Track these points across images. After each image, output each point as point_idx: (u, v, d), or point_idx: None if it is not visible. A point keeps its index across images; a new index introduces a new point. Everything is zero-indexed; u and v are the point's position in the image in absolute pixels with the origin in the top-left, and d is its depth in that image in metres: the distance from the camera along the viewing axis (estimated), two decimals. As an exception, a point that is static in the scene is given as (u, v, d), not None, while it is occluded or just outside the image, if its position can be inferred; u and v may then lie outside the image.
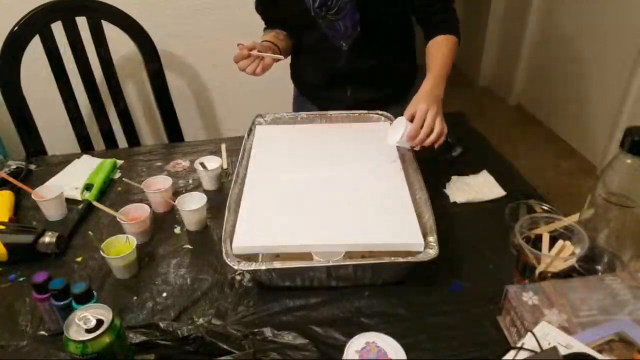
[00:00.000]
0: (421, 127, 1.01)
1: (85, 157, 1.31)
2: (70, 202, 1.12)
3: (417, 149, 1.06)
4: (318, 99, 1.41)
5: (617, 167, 0.79)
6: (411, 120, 1.04)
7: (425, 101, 1.03)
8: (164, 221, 1.07)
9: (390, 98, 1.34)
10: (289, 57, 1.39)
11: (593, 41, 2.59)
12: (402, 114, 1.08)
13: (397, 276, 0.87)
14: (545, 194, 1.08)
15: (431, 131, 1.01)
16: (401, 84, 1.37)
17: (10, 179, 1.13)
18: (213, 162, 1.17)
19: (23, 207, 1.13)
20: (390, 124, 1.22)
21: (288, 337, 0.78)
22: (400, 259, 0.81)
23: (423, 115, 1.02)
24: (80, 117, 1.57)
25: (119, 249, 0.92)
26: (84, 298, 0.74)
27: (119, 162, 1.29)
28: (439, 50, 1.17)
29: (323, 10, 1.16)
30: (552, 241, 0.82)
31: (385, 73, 1.29)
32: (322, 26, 1.21)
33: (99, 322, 0.64)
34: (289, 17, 1.27)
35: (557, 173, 2.63)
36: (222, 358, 0.75)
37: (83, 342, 0.63)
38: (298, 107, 1.48)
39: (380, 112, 1.27)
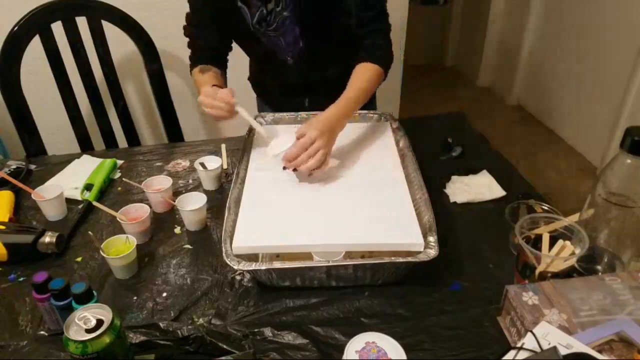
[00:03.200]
0: (303, 151, 0.98)
1: (85, 157, 1.31)
2: (70, 202, 1.12)
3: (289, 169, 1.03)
4: (276, 106, 1.38)
5: (617, 167, 0.79)
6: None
7: (319, 128, 0.99)
8: (164, 221, 1.07)
9: None
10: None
11: (593, 41, 2.59)
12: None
13: (397, 276, 0.87)
14: (545, 194, 1.08)
15: (308, 159, 0.98)
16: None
17: (10, 179, 1.13)
18: (213, 162, 1.17)
19: (23, 207, 1.13)
20: (393, 126, 1.22)
21: (288, 337, 0.78)
22: (400, 259, 0.81)
23: (308, 143, 0.98)
24: (80, 117, 1.57)
25: (119, 249, 0.92)
26: (84, 298, 0.74)
27: (119, 162, 1.29)
28: (361, 75, 1.13)
29: (263, 26, 1.14)
30: (552, 241, 0.82)
31: (339, 81, 1.17)
32: (265, 42, 1.19)
33: (99, 322, 0.64)
34: (233, 34, 1.23)
35: (557, 173, 2.63)
36: (222, 358, 0.75)
37: (83, 342, 0.63)
38: (259, 110, 1.47)
39: (380, 112, 1.27)
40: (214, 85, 1.12)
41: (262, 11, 1.12)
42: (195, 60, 1.25)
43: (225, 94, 1.08)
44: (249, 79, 1.44)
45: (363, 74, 1.14)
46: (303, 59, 1.22)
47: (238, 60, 1.34)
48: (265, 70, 1.34)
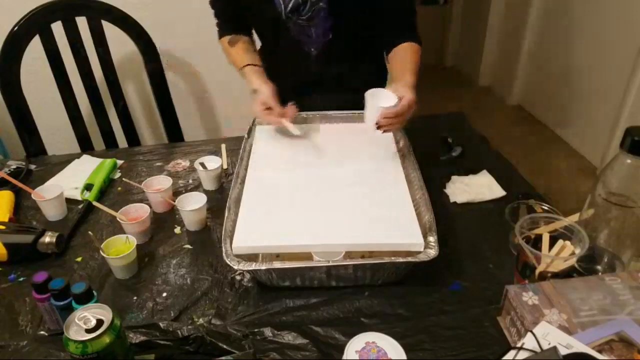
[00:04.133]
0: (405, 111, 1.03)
1: (85, 157, 1.31)
2: (70, 202, 1.12)
3: (372, 124, 1.06)
4: (284, 102, 1.36)
5: (617, 167, 0.79)
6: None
7: (413, 93, 1.04)
8: (164, 221, 1.07)
9: (360, 102, 1.32)
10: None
11: (593, 41, 2.59)
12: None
13: (397, 276, 0.87)
14: (545, 194, 1.08)
15: (397, 122, 1.04)
16: (373, 85, 1.30)
17: (10, 179, 1.13)
18: (213, 162, 1.17)
19: (23, 207, 1.13)
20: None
21: (288, 337, 0.78)
22: (400, 259, 0.81)
23: (409, 105, 1.03)
24: (80, 117, 1.57)
25: (119, 249, 0.92)
26: (84, 298, 0.74)
27: (119, 162, 1.29)
28: (410, 55, 1.18)
29: (295, 15, 1.15)
30: (552, 241, 0.82)
31: (354, 77, 1.24)
32: (293, 31, 1.20)
33: (99, 322, 0.64)
34: (259, 20, 1.25)
35: (557, 173, 2.63)
36: (222, 358, 0.75)
37: (83, 342, 0.63)
38: None
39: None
40: (253, 90, 1.14)
41: (297, 0, 1.13)
42: (223, 29, 1.29)
43: (277, 120, 1.13)
44: None
45: (412, 52, 1.19)
46: (326, 52, 1.24)
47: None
48: (279, 65, 1.33)
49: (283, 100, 1.34)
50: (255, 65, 1.20)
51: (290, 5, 1.14)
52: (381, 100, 1.04)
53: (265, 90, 1.13)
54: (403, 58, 1.18)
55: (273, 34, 1.25)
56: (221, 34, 1.30)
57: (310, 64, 1.26)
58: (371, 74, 1.34)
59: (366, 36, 1.26)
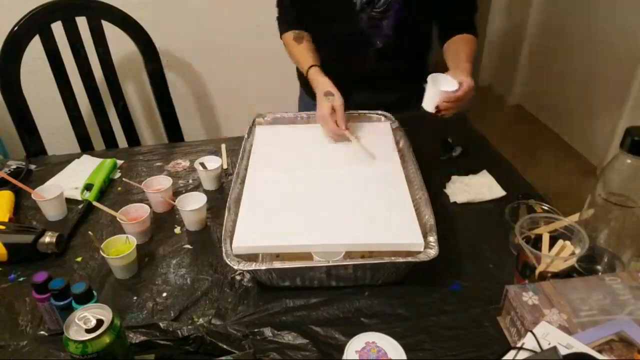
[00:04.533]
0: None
1: (85, 157, 1.31)
2: (70, 202, 1.12)
3: (431, 109, 1.08)
4: None
5: (617, 167, 0.79)
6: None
7: (472, 80, 1.08)
8: (164, 221, 1.07)
9: (403, 100, 1.34)
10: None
11: (593, 41, 2.59)
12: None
13: (397, 276, 0.87)
14: (545, 194, 1.08)
15: (455, 107, 1.07)
16: (415, 86, 1.31)
17: (10, 179, 1.13)
18: (213, 162, 1.17)
19: (23, 207, 1.13)
20: (392, 126, 1.22)
21: (288, 337, 0.78)
22: (400, 259, 0.81)
23: (470, 90, 1.07)
24: (80, 117, 1.57)
25: (119, 249, 0.92)
26: (84, 298, 0.74)
27: (119, 162, 1.29)
28: (467, 46, 1.23)
29: (370, 6, 1.17)
30: (552, 241, 0.82)
31: (406, 75, 1.28)
32: (363, 23, 1.22)
33: (99, 322, 0.64)
34: (328, 11, 1.26)
35: (557, 173, 2.63)
36: (222, 358, 0.75)
37: (83, 342, 0.63)
38: (303, 108, 1.46)
39: (380, 112, 1.27)
40: (328, 92, 1.15)
41: None
42: (286, 23, 1.30)
43: (335, 128, 1.13)
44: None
45: (470, 43, 1.25)
46: (389, 47, 1.26)
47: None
48: (334, 59, 1.32)
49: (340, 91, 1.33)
50: (318, 66, 1.22)
51: None
52: (442, 85, 1.07)
53: (338, 97, 1.13)
54: (460, 47, 1.23)
55: (341, 25, 1.26)
56: (285, 29, 1.31)
57: (370, 57, 1.28)
58: (420, 76, 1.33)
59: (426, 33, 1.32)
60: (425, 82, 1.07)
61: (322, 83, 1.18)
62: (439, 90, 1.05)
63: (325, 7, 1.26)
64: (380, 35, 1.24)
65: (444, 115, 1.09)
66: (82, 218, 1.08)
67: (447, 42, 1.28)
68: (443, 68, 1.16)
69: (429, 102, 1.07)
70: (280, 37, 1.33)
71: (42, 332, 0.81)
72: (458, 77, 1.07)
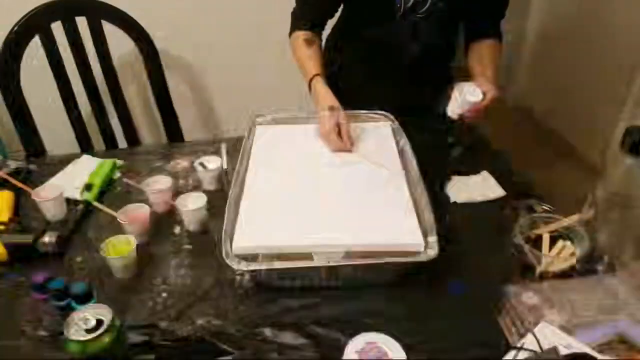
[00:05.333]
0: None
1: (85, 157, 1.31)
2: (70, 202, 1.11)
3: (456, 116, 1.11)
4: (349, 102, 1.23)
5: (617, 167, 0.79)
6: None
7: (496, 90, 1.11)
8: (164, 221, 1.07)
9: (425, 103, 1.31)
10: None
11: (593, 41, 2.59)
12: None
13: (397, 276, 0.87)
14: (545, 194, 1.08)
15: (479, 116, 1.11)
16: (438, 90, 1.28)
17: (10, 179, 1.13)
18: (213, 162, 1.17)
19: (23, 207, 1.12)
20: (393, 126, 1.22)
21: (288, 337, 0.78)
22: (400, 259, 0.81)
23: (494, 101, 1.10)
24: (80, 117, 1.57)
25: (119, 249, 0.91)
26: (84, 298, 0.74)
27: (119, 162, 1.29)
28: (492, 52, 1.27)
29: (412, 12, 1.17)
30: (553, 241, 0.82)
31: (433, 79, 1.29)
32: (404, 27, 1.21)
33: (99, 322, 0.64)
34: (368, 13, 1.23)
35: (557, 173, 2.63)
36: (222, 358, 0.75)
37: (83, 342, 0.63)
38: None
39: (380, 112, 1.27)
40: (331, 106, 1.12)
41: None
42: (302, 21, 1.26)
43: (340, 144, 1.11)
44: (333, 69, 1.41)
45: (494, 51, 1.29)
46: (426, 51, 1.26)
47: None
48: (369, 57, 1.31)
49: (354, 94, 1.30)
50: (322, 76, 1.19)
51: (411, 1, 1.15)
52: (468, 94, 1.08)
53: (343, 112, 1.12)
54: (484, 54, 1.24)
55: (380, 29, 1.23)
56: (297, 27, 1.26)
57: (405, 61, 1.27)
58: (444, 80, 1.34)
59: (455, 39, 1.33)
60: (449, 88, 1.09)
61: (324, 96, 1.15)
62: (466, 99, 1.07)
63: (366, 10, 1.23)
64: (418, 40, 1.24)
65: (465, 121, 1.12)
66: (82, 218, 1.08)
67: (472, 47, 1.28)
68: (465, 72, 1.19)
69: (454, 111, 1.10)
70: (290, 33, 1.28)
71: (41, 332, 0.81)
72: (484, 86, 1.09)
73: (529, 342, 0.67)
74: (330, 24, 1.35)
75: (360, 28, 1.28)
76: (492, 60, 1.21)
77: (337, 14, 1.31)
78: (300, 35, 1.25)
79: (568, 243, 0.81)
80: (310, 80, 1.19)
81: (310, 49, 1.23)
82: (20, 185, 1.10)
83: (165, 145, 1.41)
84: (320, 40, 1.28)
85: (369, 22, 1.25)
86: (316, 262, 0.84)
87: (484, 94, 1.08)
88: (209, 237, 1.02)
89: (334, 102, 1.13)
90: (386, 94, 1.30)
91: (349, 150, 1.11)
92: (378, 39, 1.26)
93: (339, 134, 1.11)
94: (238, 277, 0.90)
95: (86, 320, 0.64)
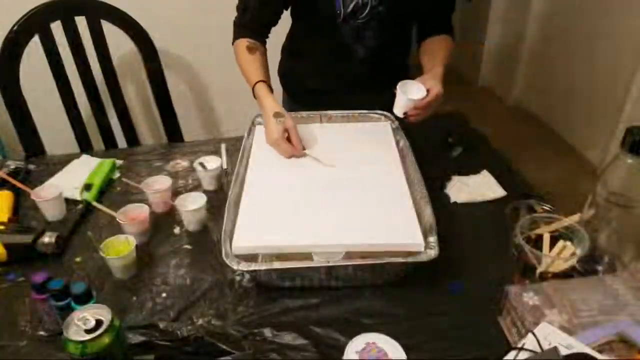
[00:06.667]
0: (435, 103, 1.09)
1: (85, 157, 1.31)
2: (69, 202, 1.11)
3: (401, 115, 1.11)
4: (317, 106, 1.31)
5: (617, 167, 0.79)
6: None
7: (441, 86, 1.09)
8: (164, 221, 1.06)
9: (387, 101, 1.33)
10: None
11: (593, 41, 2.59)
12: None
13: (397, 276, 0.87)
14: (546, 194, 1.08)
15: (424, 113, 1.09)
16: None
17: (10, 179, 1.13)
18: (213, 162, 1.17)
19: (22, 207, 1.12)
20: (393, 126, 1.22)
21: (288, 338, 0.78)
22: (400, 259, 0.81)
23: (437, 97, 1.08)
24: (80, 117, 1.57)
25: (119, 249, 0.91)
26: (83, 298, 0.73)
27: (119, 162, 1.29)
28: (443, 47, 1.24)
29: (353, 17, 1.17)
30: (553, 241, 0.81)
31: (389, 79, 1.23)
32: (345, 33, 1.21)
33: (98, 323, 0.64)
34: (311, 20, 1.25)
35: (557, 173, 2.63)
36: (222, 359, 0.75)
37: (82, 342, 0.63)
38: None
39: (380, 112, 1.27)
40: (277, 113, 1.11)
41: (357, 3, 1.15)
42: (244, 29, 1.25)
43: (291, 150, 1.10)
44: (281, 75, 1.43)
45: (445, 44, 1.26)
46: (372, 54, 1.26)
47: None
48: (321, 62, 1.32)
49: (318, 101, 1.32)
50: (266, 83, 1.18)
51: (350, 7, 1.16)
52: (411, 92, 1.09)
53: (289, 117, 1.11)
54: (435, 49, 1.24)
55: (323, 35, 1.25)
56: (240, 34, 1.25)
57: (354, 65, 1.27)
58: (405, 77, 1.32)
59: (406, 40, 1.33)
60: (394, 87, 1.09)
61: (269, 103, 1.13)
62: (407, 98, 1.08)
63: (308, 19, 1.25)
64: (363, 44, 1.24)
65: (412, 121, 1.12)
66: (82, 218, 1.08)
67: (423, 43, 1.28)
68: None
69: (398, 109, 1.10)
70: (233, 42, 1.27)
71: (41, 333, 0.81)
72: (428, 83, 1.09)
73: (529, 342, 0.67)
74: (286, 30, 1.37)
75: (309, 33, 1.30)
76: (443, 57, 1.20)
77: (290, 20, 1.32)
78: (244, 42, 1.23)
79: (568, 243, 0.81)
80: (254, 87, 1.18)
81: (253, 55, 1.22)
82: (19, 185, 1.10)
83: (164, 145, 1.41)
84: (264, 48, 1.26)
85: (314, 28, 1.27)
86: (316, 262, 0.84)
87: (428, 91, 1.07)
88: (208, 237, 1.02)
89: (279, 108, 1.12)
90: (352, 96, 1.31)
91: (302, 155, 1.11)
92: (325, 44, 1.27)
93: (289, 139, 1.11)
94: (238, 277, 0.90)
95: (86, 321, 0.64)
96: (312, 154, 1.11)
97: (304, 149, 1.11)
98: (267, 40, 1.29)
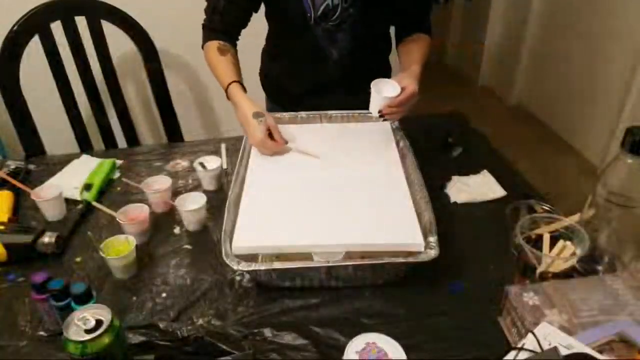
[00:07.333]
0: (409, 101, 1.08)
1: (85, 157, 1.31)
2: (69, 202, 1.11)
3: (376, 114, 1.10)
4: (290, 106, 1.32)
5: (617, 167, 0.79)
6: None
7: (416, 84, 1.09)
8: (164, 221, 1.06)
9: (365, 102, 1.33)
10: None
11: (593, 41, 2.59)
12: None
13: (397, 276, 0.87)
14: (546, 194, 1.08)
15: (399, 111, 1.09)
16: None
17: (10, 179, 1.13)
18: (213, 162, 1.17)
19: (22, 207, 1.12)
20: (392, 126, 1.22)
21: (288, 338, 0.78)
22: (400, 259, 0.81)
23: (411, 95, 1.08)
24: (80, 117, 1.57)
25: (119, 249, 0.91)
26: (83, 298, 0.73)
27: (119, 162, 1.29)
28: (420, 46, 1.24)
29: (324, 19, 1.16)
30: (553, 241, 0.81)
31: (358, 82, 1.20)
32: (318, 35, 1.20)
33: (98, 323, 0.64)
34: (282, 22, 1.25)
35: (557, 173, 2.63)
36: (222, 358, 0.75)
37: (82, 342, 0.63)
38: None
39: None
40: (256, 113, 1.10)
41: (327, 5, 1.15)
42: (213, 32, 1.24)
43: (276, 147, 1.11)
44: (262, 77, 1.43)
45: (423, 43, 1.26)
46: (347, 56, 1.25)
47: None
48: (297, 64, 1.31)
49: (290, 106, 1.33)
50: (240, 83, 1.17)
51: (320, 9, 1.15)
52: (385, 90, 1.08)
53: (269, 116, 1.11)
54: (412, 48, 1.23)
55: (296, 37, 1.24)
56: (210, 37, 1.24)
57: (329, 67, 1.27)
58: (385, 76, 1.33)
59: (384, 39, 1.32)
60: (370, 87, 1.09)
61: (246, 102, 1.12)
62: (381, 96, 1.08)
63: (280, 21, 1.25)
64: (336, 47, 1.23)
65: (387, 119, 1.13)
66: (82, 218, 1.07)
67: (401, 42, 1.28)
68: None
69: (373, 107, 1.10)
70: (202, 45, 1.25)
71: (41, 333, 0.81)
72: (403, 81, 1.08)
73: (529, 342, 0.67)
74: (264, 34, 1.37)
75: (284, 36, 1.30)
76: (419, 54, 1.20)
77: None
78: (214, 44, 1.22)
79: (568, 243, 0.80)
80: (227, 88, 1.16)
81: (225, 57, 1.21)
82: (19, 185, 1.10)
83: (164, 145, 1.41)
84: (235, 50, 1.25)
85: (288, 30, 1.27)
86: (316, 262, 0.84)
87: (403, 89, 1.07)
88: (208, 237, 1.02)
89: (257, 107, 1.12)
90: (332, 97, 1.31)
91: (287, 150, 1.12)
92: (300, 46, 1.26)
93: (272, 137, 1.11)
94: (238, 277, 0.90)
95: (86, 321, 0.64)
96: (296, 147, 1.12)
97: (286, 143, 1.12)
98: (238, 42, 1.28)
